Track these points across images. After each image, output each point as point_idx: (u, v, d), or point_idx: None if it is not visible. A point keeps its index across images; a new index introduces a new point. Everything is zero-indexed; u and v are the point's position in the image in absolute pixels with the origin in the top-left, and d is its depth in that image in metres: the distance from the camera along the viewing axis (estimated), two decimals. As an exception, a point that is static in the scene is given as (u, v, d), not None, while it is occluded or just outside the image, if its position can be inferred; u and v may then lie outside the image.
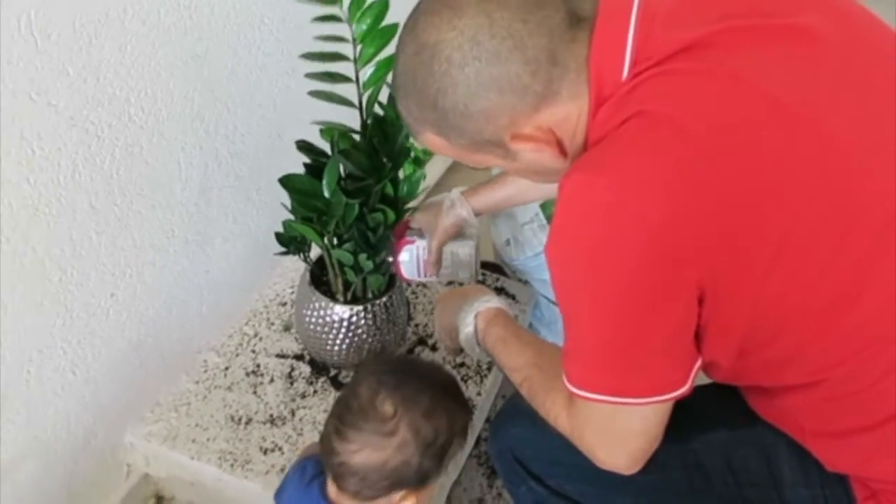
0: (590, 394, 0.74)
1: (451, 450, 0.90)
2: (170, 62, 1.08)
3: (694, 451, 0.83)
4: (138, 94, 1.04)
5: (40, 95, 0.91)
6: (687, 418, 0.81)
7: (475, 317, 1.01)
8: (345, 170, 1.15)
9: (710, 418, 0.86)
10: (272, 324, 1.45)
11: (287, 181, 1.13)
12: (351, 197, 1.12)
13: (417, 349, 1.42)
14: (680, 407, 0.80)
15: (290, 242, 1.23)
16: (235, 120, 1.26)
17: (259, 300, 1.49)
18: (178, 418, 1.28)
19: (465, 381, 1.36)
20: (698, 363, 0.73)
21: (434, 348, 1.42)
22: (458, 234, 1.26)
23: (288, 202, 1.18)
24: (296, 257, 1.29)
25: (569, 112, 0.71)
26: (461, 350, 1.09)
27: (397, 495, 0.89)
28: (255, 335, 1.42)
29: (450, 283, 1.32)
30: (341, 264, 1.23)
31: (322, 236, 1.19)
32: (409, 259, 1.25)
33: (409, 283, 1.33)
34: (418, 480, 0.88)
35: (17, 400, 1.02)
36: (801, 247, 0.66)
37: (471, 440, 1.33)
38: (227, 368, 1.36)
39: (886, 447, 0.73)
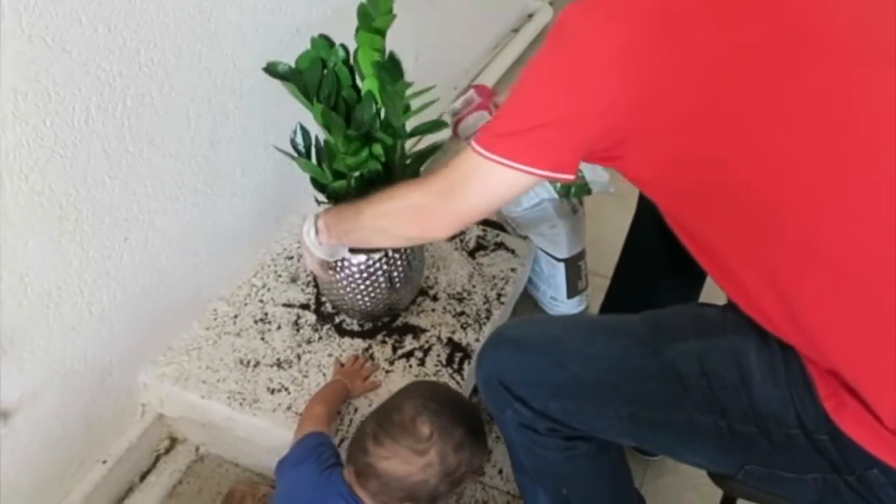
0: (484, 150, 0.85)
1: (464, 482, 1.03)
2: (177, 15, 1.13)
3: (671, 362, 0.88)
4: (147, 45, 1.10)
5: (55, 42, 0.96)
6: (665, 334, 0.87)
7: (314, 226, 1.16)
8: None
9: (686, 333, 0.91)
10: (279, 276, 1.51)
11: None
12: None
13: (419, 299, 1.47)
14: (659, 324, 0.87)
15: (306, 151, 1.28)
16: (241, 76, 1.31)
17: (266, 254, 1.54)
18: (189, 361, 1.34)
19: (465, 329, 1.42)
20: (566, 177, 0.85)
21: (435, 298, 1.48)
22: None
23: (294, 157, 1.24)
24: (300, 216, 1.32)
25: None
26: (331, 269, 1.27)
27: None
28: (263, 286, 1.48)
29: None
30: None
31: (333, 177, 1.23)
32: (473, 121, 1.42)
33: (454, 134, 1.46)
34: (429, 500, 1.01)
35: (37, 333, 1.08)
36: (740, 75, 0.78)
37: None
38: (236, 316, 1.42)
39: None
